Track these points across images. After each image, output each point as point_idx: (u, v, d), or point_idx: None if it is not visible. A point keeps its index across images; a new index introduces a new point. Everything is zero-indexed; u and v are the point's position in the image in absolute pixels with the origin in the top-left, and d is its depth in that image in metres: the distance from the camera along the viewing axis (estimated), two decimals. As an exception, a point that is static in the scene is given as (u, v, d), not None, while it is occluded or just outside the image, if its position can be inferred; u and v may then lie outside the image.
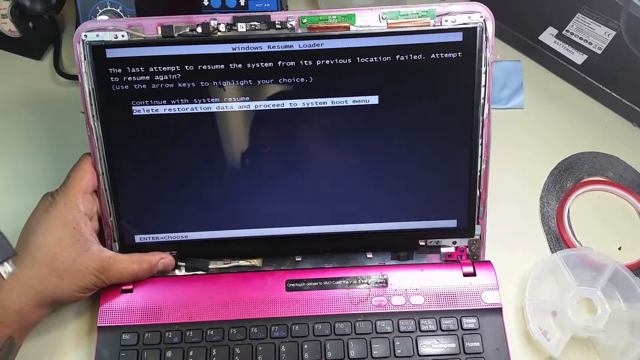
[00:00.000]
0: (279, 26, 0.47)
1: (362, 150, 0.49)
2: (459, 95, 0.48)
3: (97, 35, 0.46)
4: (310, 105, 0.48)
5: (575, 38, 0.64)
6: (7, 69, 0.65)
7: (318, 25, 0.47)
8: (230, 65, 0.47)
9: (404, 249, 0.52)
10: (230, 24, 0.47)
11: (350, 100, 0.48)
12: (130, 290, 0.50)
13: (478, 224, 0.51)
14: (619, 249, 0.55)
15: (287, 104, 0.48)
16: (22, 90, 0.64)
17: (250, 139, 0.49)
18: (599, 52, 0.63)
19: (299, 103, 0.48)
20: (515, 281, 0.53)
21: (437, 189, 0.50)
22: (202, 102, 0.48)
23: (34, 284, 0.44)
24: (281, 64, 0.47)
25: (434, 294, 0.49)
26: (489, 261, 0.51)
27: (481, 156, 0.49)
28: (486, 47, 0.47)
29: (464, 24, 0.47)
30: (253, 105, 0.48)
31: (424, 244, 0.52)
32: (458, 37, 0.46)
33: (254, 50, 0.46)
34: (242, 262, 0.52)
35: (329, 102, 0.48)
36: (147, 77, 0.47)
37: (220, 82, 0.47)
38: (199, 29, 0.47)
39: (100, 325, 0.48)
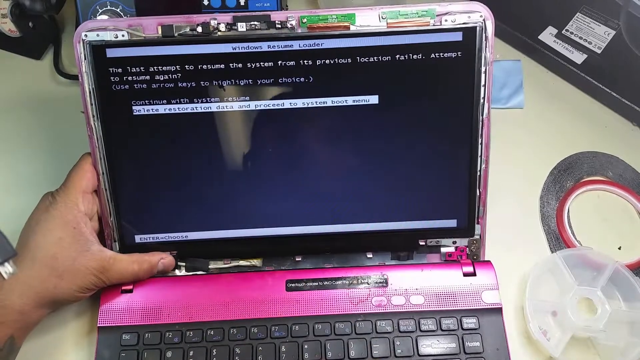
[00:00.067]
0: (279, 26, 0.47)
1: (362, 150, 0.49)
2: (459, 94, 0.48)
3: (98, 35, 0.46)
4: (310, 105, 0.48)
5: (575, 37, 0.64)
6: (7, 69, 0.65)
7: (318, 25, 0.47)
8: (231, 65, 0.47)
9: (404, 248, 0.52)
10: (230, 23, 0.47)
11: (350, 100, 0.48)
12: (130, 291, 0.50)
13: (478, 223, 0.51)
14: (619, 248, 0.55)
15: (287, 103, 0.48)
16: (22, 90, 0.64)
17: (250, 139, 0.49)
18: (599, 51, 0.63)
19: (299, 103, 0.48)
20: (515, 281, 0.53)
21: (437, 188, 0.50)
22: (202, 102, 0.48)
23: (34, 284, 0.44)
24: (281, 64, 0.47)
25: (434, 294, 0.49)
26: (489, 261, 0.51)
27: (481, 156, 0.49)
28: (486, 47, 0.47)
29: (463, 23, 0.47)
30: (253, 105, 0.48)
31: (424, 243, 0.52)
32: (458, 36, 0.47)
33: (254, 50, 0.46)
34: (242, 262, 0.52)
35: (329, 101, 0.48)
36: (148, 77, 0.47)
37: (220, 82, 0.47)
38: (199, 29, 0.47)
39: (100, 325, 0.48)
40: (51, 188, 0.48)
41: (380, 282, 0.50)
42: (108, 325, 0.48)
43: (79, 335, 0.50)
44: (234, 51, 0.46)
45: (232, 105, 0.48)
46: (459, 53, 0.47)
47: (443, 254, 0.52)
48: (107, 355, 0.47)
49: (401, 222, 0.51)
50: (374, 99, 0.48)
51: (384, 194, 0.50)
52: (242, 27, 0.47)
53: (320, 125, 0.48)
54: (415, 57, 0.47)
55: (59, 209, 0.46)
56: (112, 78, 0.47)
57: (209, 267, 0.52)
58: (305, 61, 0.47)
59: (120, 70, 0.47)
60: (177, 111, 0.48)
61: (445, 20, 0.47)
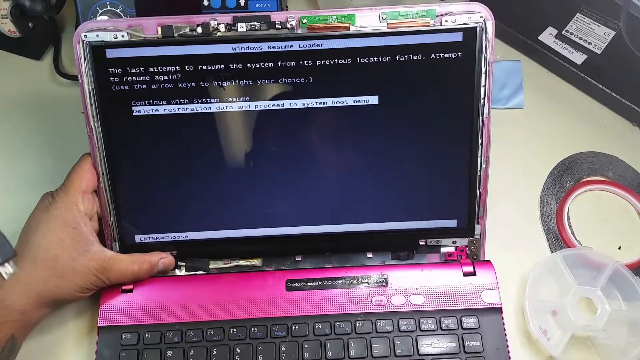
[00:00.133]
0: (279, 26, 0.47)
1: (362, 150, 0.49)
2: (459, 95, 0.48)
3: (97, 36, 0.47)
4: (310, 106, 0.48)
5: (575, 38, 0.64)
6: (7, 69, 0.65)
7: (318, 25, 0.47)
8: (230, 65, 0.47)
9: (404, 248, 0.52)
10: (230, 24, 0.47)
11: (350, 101, 0.48)
12: (131, 290, 0.50)
13: (478, 223, 0.51)
14: (619, 248, 0.55)
15: (287, 104, 0.48)
16: (22, 90, 0.64)
17: (250, 139, 0.49)
18: (599, 52, 0.63)
19: (299, 103, 0.48)
20: (515, 281, 0.53)
21: (437, 188, 0.50)
22: (202, 102, 0.48)
23: (35, 284, 0.44)
24: (281, 64, 0.47)
25: (434, 294, 0.49)
26: (489, 261, 0.51)
27: (481, 156, 0.49)
28: (486, 47, 0.47)
29: (463, 24, 0.47)
30: (253, 106, 0.48)
31: (424, 243, 0.52)
32: (458, 37, 0.47)
33: (254, 50, 0.46)
34: (242, 262, 0.52)
35: (329, 102, 0.48)
36: (147, 77, 0.47)
37: (220, 82, 0.47)
38: (199, 29, 0.47)
39: (100, 325, 0.48)
40: (51, 188, 0.48)
41: (380, 282, 0.50)
42: (108, 325, 0.48)
43: (79, 335, 0.50)
44: (234, 51, 0.46)
45: (232, 105, 0.48)
46: (459, 53, 0.47)
47: (443, 253, 0.52)
48: (108, 355, 0.47)
49: (401, 222, 0.51)
50: (374, 100, 0.48)
51: (384, 194, 0.50)
52: (242, 27, 0.47)
53: (320, 125, 0.48)
54: (415, 57, 0.47)
55: (59, 209, 0.46)
56: (111, 78, 0.47)
57: (209, 267, 0.52)
58: (305, 61, 0.47)
59: (120, 70, 0.47)
60: (177, 111, 0.48)
61: (446, 21, 0.47)
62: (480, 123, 0.48)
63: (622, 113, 0.62)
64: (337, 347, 0.47)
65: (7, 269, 0.39)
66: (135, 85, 0.47)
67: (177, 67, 0.47)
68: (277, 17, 0.47)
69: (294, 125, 0.48)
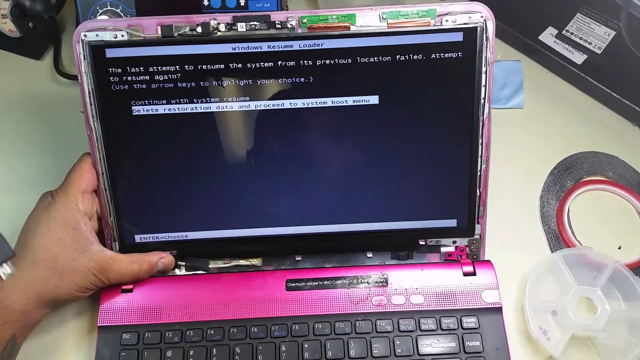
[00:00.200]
0: (279, 26, 0.47)
1: (362, 150, 0.49)
2: (459, 95, 0.48)
3: (97, 35, 0.46)
4: (310, 105, 0.48)
5: (575, 38, 0.64)
6: (7, 69, 0.65)
7: (318, 25, 0.47)
8: (230, 65, 0.47)
9: (404, 248, 0.52)
10: (230, 23, 0.47)
11: (350, 100, 0.48)
12: (131, 290, 0.50)
13: (478, 223, 0.51)
14: (619, 248, 0.55)
15: (287, 103, 0.48)
16: (22, 90, 0.64)
17: (250, 139, 0.49)
18: (599, 52, 0.63)
19: (299, 103, 0.48)
20: (515, 281, 0.53)
21: (437, 188, 0.50)
22: (202, 102, 0.48)
23: (35, 284, 0.44)
24: (281, 64, 0.47)
25: (434, 294, 0.49)
26: (489, 261, 0.51)
27: (481, 156, 0.49)
28: (486, 47, 0.47)
29: (464, 24, 0.47)
30: (253, 105, 0.48)
31: (424, 243, 0.52)
32: (458, 37, 0.47)
33: (254, 50, 0.46)
34: (242, 262, 0.52)
35: (329, 102, 0.48)
36: (147, 77, 0.47)
37: (220, 82, 0.47)
38: (199, 29, 0.47)
39: (100, 325, 0.48)
40: (51, 188, 0.48)
41: (380, 282, 0.50)
42: (108, 324, 0.48)
43: (79, 335, 0.50)
44: (234, 51, 0.46)
45: (232, 105, 0.48)
46: (459, 53, 0.47)
47: (443, 253, 0.52)
48: (107, 355, 0.47)
49: (401, 221, 0.51)
50: (374, 99, 0.48)
51: (384, 193, 0.50)
52: (242, 27, 0.47)
53: (320, 125, 0.48)
54: (415, 57, 0.47)
55: (59, 209, 0.46)
56: (111, 78, 0.47)
57: (209, 266, 0.52)
58: (305, 61, 0.47)
59: (119, 70, 0.47)
60: (177, 111, 0.48)
61: (446, 21, 0.47)
62: (481, 123, 0.48)
63: (622, 113, 0.62)
64: (337, 347, 0.47)
65: (6, 269, 0.39)
66: (135, 85, 0.47)
67: (177, 66, 0.47)
68: (277, 16, 0.47)
69: (293, 125, 0.48)
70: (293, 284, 0.50)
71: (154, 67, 0.47)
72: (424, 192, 0.50)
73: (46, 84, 0.64)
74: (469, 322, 0.48)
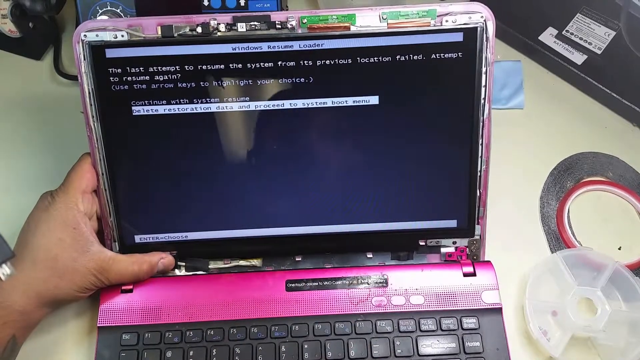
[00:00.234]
0: (279, 26, 0.47)
1: (362, 150, 0.49)
2: (460, 95, 0.48)
3: (97, 35, 0.46)
4: (310, 106, 0.48)
5: (575, 38, 0.64)
6: (7, 69, 0.65)
7: (318, 25, 0.47)
8: (230, 65, 0.47)
9: (404, 249, 0.52)
10: (230, 24, 0.47)
11: (350, 101, 0.48)
12: (130, 290, 0.50)
13: (478, 224, 0.51)
14: (619, 249, 0.55)
15: (287, 104, 0.48)
16: (22, 90, 0.64)
17: (250, 139, 0.49)
18: (599, 52, 0.63)
19: (299, 103, 0.48)
20: (515, 281, 0.53)
21: (437, 189, 0.50)
22: (202, 102, 0.48)
23: (35, 284, 0.44)
24: (281, 64, 0.47)
25: (434, 294, 0.49)
26: (489, 261, 0.51)
27: (481, 156, 0.49)
28: (486, 47, 0.47)
29: (464, 24, 0.47)
30: (253, 106, 0.48)
31: (424, 244, 0.52)
32: (458, 37, 0.46)
33: (254, 50, 0.46)
34: (242, 262, 0.52)
35: (329, 102, 0.48)
36: (147, 77, 0.47)
37: (220, 82, 0.47)
38: (199, 29, 0.47)
39: (100, 325, 0.48)
40: (51, 188, 0.48)
41: (380, 282, 0.50)
42: (108, 325, 0.48)
43: (79, 335, 0.50)
44: (234, 51, 0.46)
45: (232, 105, 0.48)
46: (459, 54, 0.47)
47: (443, 254, 0.52)
48: (107, 355, 0.47)
49: (401, 222, 0.51)
50: (374, 100, 0.48)
51: (384, 194, 0.50)
52: (242, 27, 0.47)
53: (320, 125, 0.48)
54: (415, 57, 0.47)
55: (59, 209, 0.46)
56: (111, 78, 0.47)
57: (209, 267, 0.52)
58: (305, 61, 0.47)
59: (119, 70, 0.47)
60: (177, 111, 0.48)
61: (446, 21, 0.47)
62: (481, 123, 0.48)
63: (622, 113, 0.62)
64: (337, 348, 0.47)
65: (5, 270, 0.39)
66: (135, 85, 0.47)
67: (177, 67, 0.47)
68: (277, 17, 0.47)
69: (294, 125, 0.48)
70: (293, 285, 0.50)
71: (154, 67, 0.47)
72: (424, 193, 0.50)
73: (46, 84, 0.64)
74: (469, 322, 0.48)
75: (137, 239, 0.50)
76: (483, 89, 0.48)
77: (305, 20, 0.47)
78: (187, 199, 0.50)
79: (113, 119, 0.48)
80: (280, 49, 0.46)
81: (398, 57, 0.47)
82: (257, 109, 0.48)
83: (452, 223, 0.51)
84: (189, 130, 0.48)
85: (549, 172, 0.59)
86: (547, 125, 0.62)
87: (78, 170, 0.48)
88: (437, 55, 0.47)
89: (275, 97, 0.48)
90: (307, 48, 0.46)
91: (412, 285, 0.50)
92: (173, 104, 0.47)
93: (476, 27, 0.46)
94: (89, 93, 0.47)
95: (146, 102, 0.47)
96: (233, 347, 0.47)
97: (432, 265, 0.51)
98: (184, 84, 0.47)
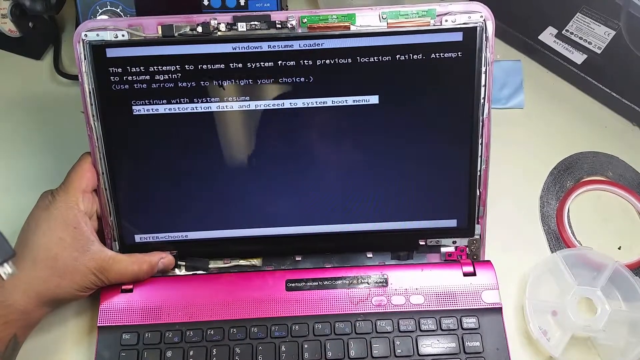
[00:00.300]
0: (279, 26, 0.47)
1: (362, 150, 0.49)
2: (459, 94, 0.48)
3: (97, 35, 0.46)
4: (310, 105, 0.48)
5: (575, 38, 0.64)
6: (7, 69, 0.65)
7: (318, 25, 0.47)
8: (231, 64, 0.47)
9: (404, 248, 0.52)
10: (230, 23, 0.47)
11: (350, 100, 0.48)
12: (130, 290, 0.50)
13: (478, 223, 0.51)
14: (619, 248, 0.55)
15: (287, 103, 0.48)
16: (22, 90, 0.64)
17: (250, 139, 0.49)
18: (599, 51, 0.63)
19: (299, 103, 0.48)
20: (515, 281, 0.53)
21: (437, 188, 0.50)
22: (202, 102, 0.48)
23: (36, 283, 0.44)
24: (281, 64, 0.47)
25: (434, 294, 0.49)
26: (489, 261, 0.51)
27: (481, 156, 0.49)
28: (486, 47, 0.47)
29: (464, 23, 0.47)
30: (253, 105, 0.48)
31: (424, 243, 0.52)
32: (458, 36, 0.47)
33: (254, 50, 0.46)
34: (242, 262, 0.52)
35: (329, 101, 0.48)
36: (148, 77, 0.47)
37: (220, 82, 0.47)
38: (199, 29, 0.47)
39: (100, 325, 0.48)
40: (51, 188, 0.48)
41: (380, 282, 0.50)
42: (108, 324, 0.48)
43: (79, 335, 0.50)
44: (234, 51, 0.46)
45: (232, 105, 0.48)
46: (459, 53, 0.47)
47: (443, 253, 0.52)
48: (107, 355, 0.47)
49: (401, 222, 0.51)
50: (374, 99, 0.48)
51: (384, 193, 0.50)
52: (242, 27, 0.47)
53: (320, 125, 0.48)
54: (415, 57, 0.47)
55: (59, 208, 0.46)
56: (112, 78, 0.47)
57: (209, 266, 0.52)
58: (305, 61, 0.47)
59: (120, 70, 0.47)
60: (177, 111, 0.48)
61: (446, 21, 0.47)
62: (480, 123, 0.48)
63: (622, 113, 0.62)
64: (337, 348, 0.47)
65: (6, 269, 0.39)
66: (135, 85, 0.47)
67: (178, 66, 0.47)
68: (277, 16, 0.47)
69: (294, 125, 0.48)
70: (293, 284, 0.50)
71: (155, 67, 0.47)
72: (424, 192, 0.50)
73: (46, 84, 0.64)
74: (469, 322, 0.48)
75: (137, 238, 0.50)
76: (483, 89, 0.48)
77: (305, 20, 0.47)
78: (187, 198, 0.50)
79: (113, 119, 0.48)
80: (281, 49, 0.46)
81: (398, 56, 0.47)
82: (257, 108, 0.48)
83: (452, 223, 0.51)
84: (189, 130, 0.48)
85: (548, 172, 0.59)
86: (547, 124, 0.62)
87: (78, 169, 0.48)
88: (437, 54, 0.47)
89: (275, 97, 0.48)
90: (307, 48, 0.46)
91: (412, 285, 0.50)
92: (173, 103, 0.47)
93: (476, 27, 0.46)
94: (90, 92, 0.47)
95: (146, 101, 0.47)
96: (233, 347, 0.47)
97: (432, 265, 0.51)
98: (184, 84, 0.47)
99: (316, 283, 0.50)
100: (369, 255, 0.52)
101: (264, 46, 0.46)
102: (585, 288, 0.51)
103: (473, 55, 0.47)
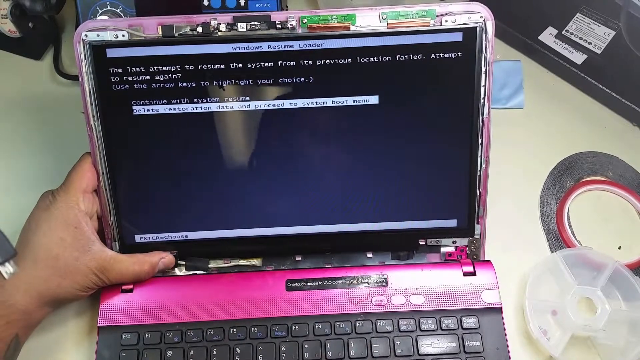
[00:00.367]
0: (279, 26, 0.47)
1: (362, 150, 0.49)
2: (459, 95, 0.48)
3: (98, 35, 0.46)
4: (310, 105, 0.48)
5: (575, 38, 0.64)
6: (7, 69, 0.65)
7: (318, 25, 0.47)
8: (231, 65, 0.47)
9: (404, 248, 0.52)
10: (230, 23, 0.47)
11: (350, 100, 0.48)
12: (131, 290, 0.50)
13: (478, 223, 0.51)
14: (619, 248, 0.55)
15: (287, 103, 0.48)
16: (22, 90, 0.64)
17: (250, 139, 0.49)
18: (599, 52, 0.63)
19: (299, 103, 0.48)
20: (515, 281, 0.53)
21: (437, 188, 0.50)
22: (202, 102, 0.48)
23: (37, 283, 0.44)
24: (281, 64, 0.47)
25: (434, 294, 0.49)
26: (489, 261, 0.51)
27: (481, 156, 0.49)
28: (486, 47, 0.47)
29: (463, 24, 0.47)
30: (253, 105, 0.48)
31: (424, 243, 0.52)
32: (458, 37, 0.47)
33: (254, 50, 0.46)
34: (242, 262, 0.52)
35: (329, 102, 0.48)
36: (148, 77, 0.47)
37: (220, 82, 0.47)
38: (200, 29, 0.47)
39: (100, 325, 0.48)
40: (51, 188, 0.48)
41: (380, 282, 0.50)
42: (108, 325, 0.48)
43: (79, 335, 0.50)
44: (234, 51, 0.46)
45: (232, 105, 0.48)
46: (459, 53, 0.47)
47: (443, 253, 0.52)
48: (107, 355, 0.47)
49: (401, 222, 0.51)
50: (374, 99, 0.48)
51: (384, 193, 0.50)
52: (242, 27, 0.47)
53: (320, 125, 0.48)
54: (415, 57, 0.47)
55: (60, 208, 0.46)
56: (112, 78, 0.47)
57: (209, 266, 0.52)
58: (305, 61, 0.47)
59: (120, 70, 0.47)
60: (177, 111, 0.48)
61: (446, 21, 0.47)
62: (480, 123, 0.48)
63: (622, 113, 0.62)
64: (337, 347, 0.47)
65: (8, 268, 0.39)
66: (135, 85, 0.47)
67: (178, 66, 0.47)
68: (277, 17, 0.47)
69: (294, 125, 0.48)
70: (293, 284, 0.50)
71: (155, 67, 0.47)
72: (423, 192, 0.50)
73: (46, 84, 0.64)
74: (469, 322, 0.48)
75: (138, 238, 0.50)
76: (483, 89, 0.48)
77: (305, 20, 0.47)
78: (187, 198, 0.50)
79: (114, 119, 0.48)
80: (281, 49, 0.46)
81: (398, 56, 0.47)
82: (257, 108, 0.48)
83: (452, 222, 0.51)
84: (189, 130, 0.48)
85: (548, 172, 0.59)
86: (547, 125, 0.62)
87: (79, 169, 0.48)
88: (437, 55, 0.47)
89: (275, 97, 0.48)
90: (307, 48, 0.46)
91: (412, 284, 0.50)
92: (173, 103, 0.48)
93: (475, 27, 0.47)
94: (90, 93, 0.47)
95: (147, 101, 0.47)
96: (233, 347, 0.47)
97: (432, 264, 0.51)
98: (184, 84, 0.47)
99: (316, 283, 0.50)
100: (369, 255, 0.52)
101: (264, 46, 0.46)
102: (585, 288, 0.51)
103: (473, 56, 0.47)
